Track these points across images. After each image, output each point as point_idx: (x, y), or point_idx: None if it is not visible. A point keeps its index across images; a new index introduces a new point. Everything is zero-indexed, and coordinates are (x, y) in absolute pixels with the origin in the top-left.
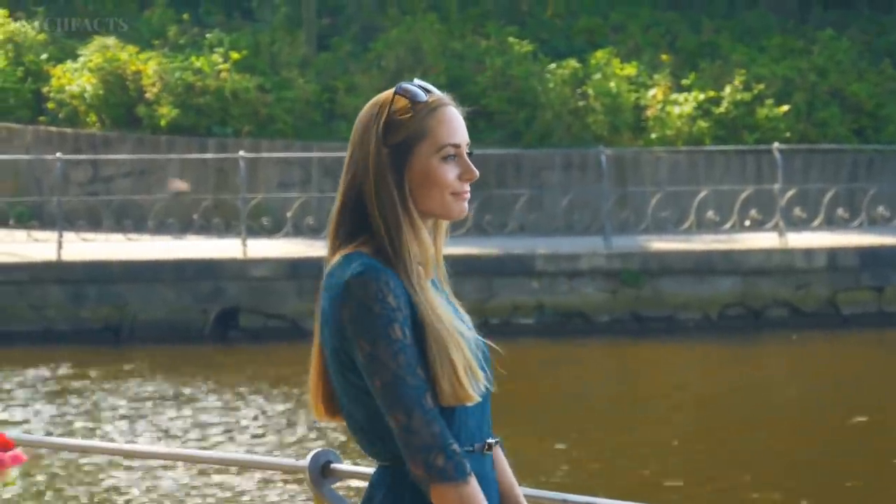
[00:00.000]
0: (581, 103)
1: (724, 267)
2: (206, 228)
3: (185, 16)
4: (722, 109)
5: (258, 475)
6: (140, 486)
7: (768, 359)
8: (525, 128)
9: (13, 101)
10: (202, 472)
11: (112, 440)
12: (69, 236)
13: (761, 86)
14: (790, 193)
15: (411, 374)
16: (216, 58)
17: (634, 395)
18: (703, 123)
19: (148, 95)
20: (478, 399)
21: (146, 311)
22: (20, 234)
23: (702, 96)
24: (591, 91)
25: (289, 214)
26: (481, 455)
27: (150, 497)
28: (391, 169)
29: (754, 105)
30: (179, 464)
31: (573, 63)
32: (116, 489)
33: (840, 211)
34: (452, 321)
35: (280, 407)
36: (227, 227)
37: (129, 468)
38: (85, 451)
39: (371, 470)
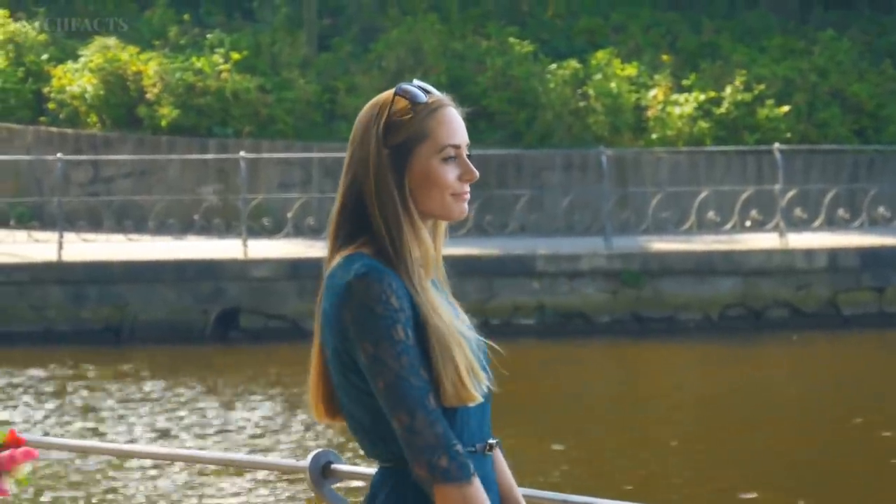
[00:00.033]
0: (582, 104)
1: (724, 267)
2: (206, 229)
3: (186, 16)
4: (722, 110)
5: (258, 475)
6: (140, 486)
7: (769, 359)
8: (526, 128)
9: (14, 102)
10: (202, 473)
11: (112, 440)
12: (70, 237)
13: (762, 86)
14: (791, 194)
15: (414, 374)
16: (217, 58)
17: (635, 395)
18: (703, 124)
19: (148, 96)
20: (480, 399)
21: (147, 312)
22: (21, 235)
23: (702, 97)
24: (591, 91)
25: (289, 215)
26: (483, 456)
27: (149, 497)
28: (391, 170)
29: (755, 105)
30: (179, 464)
31: (574, 63)
32: (116, 490)
33: (841, 211)
34: (454, 322)
35: (280, 407)
36: (227, 228)
37: (128, 469)
38: (84, 451)
39: (372, 471)
